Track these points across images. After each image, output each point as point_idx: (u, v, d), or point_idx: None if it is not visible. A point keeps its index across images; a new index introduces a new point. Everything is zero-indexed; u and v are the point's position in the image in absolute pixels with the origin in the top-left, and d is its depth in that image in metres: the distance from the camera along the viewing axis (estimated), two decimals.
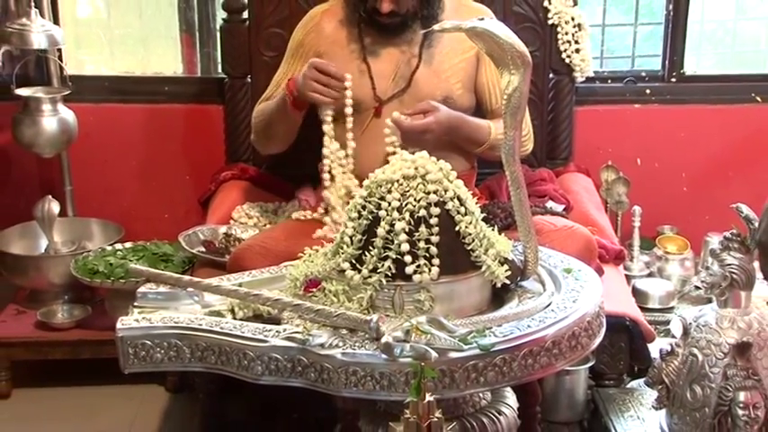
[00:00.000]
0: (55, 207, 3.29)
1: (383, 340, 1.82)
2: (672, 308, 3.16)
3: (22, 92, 3.29)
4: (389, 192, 1.97)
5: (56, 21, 3.39)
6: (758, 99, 3.52)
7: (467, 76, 2.82)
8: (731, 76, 3.63)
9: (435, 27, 2.08)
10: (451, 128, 2.67)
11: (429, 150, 2.08)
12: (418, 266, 1.95)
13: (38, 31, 3.19)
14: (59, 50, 3.38)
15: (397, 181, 1.98)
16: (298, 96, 2.69)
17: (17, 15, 3.29)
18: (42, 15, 3.25)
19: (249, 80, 3.28)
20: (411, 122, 2.61)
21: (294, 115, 2.75)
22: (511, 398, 2.19)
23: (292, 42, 2.91)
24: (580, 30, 3.24)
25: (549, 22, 3.22)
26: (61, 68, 3.37)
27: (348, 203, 2.16)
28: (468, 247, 1.99)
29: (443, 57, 2.79)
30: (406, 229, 1.94)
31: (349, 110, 2.71)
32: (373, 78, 2.76)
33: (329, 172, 2.74)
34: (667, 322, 3.01)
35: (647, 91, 3.54)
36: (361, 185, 2.09)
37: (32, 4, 3.20)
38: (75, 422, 3.02)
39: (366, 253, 1.97)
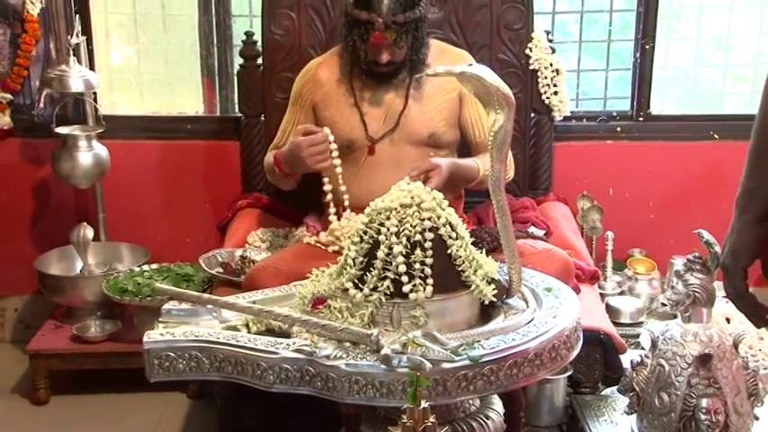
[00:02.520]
0: (89, 233, 3.29)
1: (383, 352, 1.82)
2: (641, 323, 3.14)
3: (61, 130, 3.29)
4: (388, 218, 1.97)
5: (92, 67, 3.40)
6: (716, 137, 3.52)
7: (450, 115, 2.81)
8: (692, 116, 3.63)
9: (429, 72, 2.08)
10: (451, 175, 2.60)
11: None
12: (414, 286, 1.94)
13: (76, 77, 3.19)
14: (95, 93, 3.38)
15: (395, 209, 1.98)
16: (290, 172, 2.70)
17: (57, 62, 3.31)
18: (80, 62, 3.25)
19: (263, 119, 3.28)
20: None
21: (289, 180, 2.76)
22: (498, 404, 2.18)
23: (293, 93, 2.90)
24: (558, 74, 3.24)
25: (531, 67, 3.23)
26: (96, 109, 3.37)
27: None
28: (459, 268, 1.99)
29: (429, 98, 2.77)
30: (403, 252, 1.94)
31: (336, 156, 2.69)
32: (365, 121, 2.75)
33: (332, 204, 2.74)
34: (637, 336, 3.00)
35: (618, 129, 3.54)
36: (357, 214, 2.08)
37: (71, 52, 3.21)
38: (106, 426, 3.00)
39: (367, 273, 1.97)
